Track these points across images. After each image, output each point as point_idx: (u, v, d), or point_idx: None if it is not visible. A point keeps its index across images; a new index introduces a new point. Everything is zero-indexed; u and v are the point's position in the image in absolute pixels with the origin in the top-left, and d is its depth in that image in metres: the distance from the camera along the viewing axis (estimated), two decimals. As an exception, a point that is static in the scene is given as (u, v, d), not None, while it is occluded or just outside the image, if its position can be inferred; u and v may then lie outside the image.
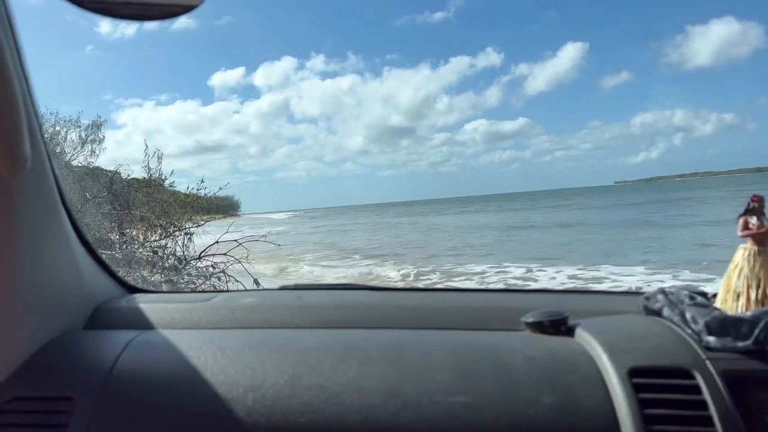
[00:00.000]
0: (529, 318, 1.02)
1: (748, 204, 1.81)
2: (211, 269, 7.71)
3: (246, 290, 1.99)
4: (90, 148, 10.42)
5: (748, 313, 0.90)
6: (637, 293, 1.16)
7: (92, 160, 10.22)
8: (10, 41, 0.74)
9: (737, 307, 1.36)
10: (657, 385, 0.82)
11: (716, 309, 0.94)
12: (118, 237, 7.99)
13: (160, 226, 8.27)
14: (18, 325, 0.93)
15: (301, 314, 1.14)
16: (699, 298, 0.99)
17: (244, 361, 0.92)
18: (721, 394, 0.80)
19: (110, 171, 8.87)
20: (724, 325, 0.88)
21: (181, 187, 9.15)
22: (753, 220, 1.82)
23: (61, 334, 1.03)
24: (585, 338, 0.95)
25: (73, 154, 10.01)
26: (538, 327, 1.01)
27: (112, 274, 1.29)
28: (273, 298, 1.24)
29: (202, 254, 7.82)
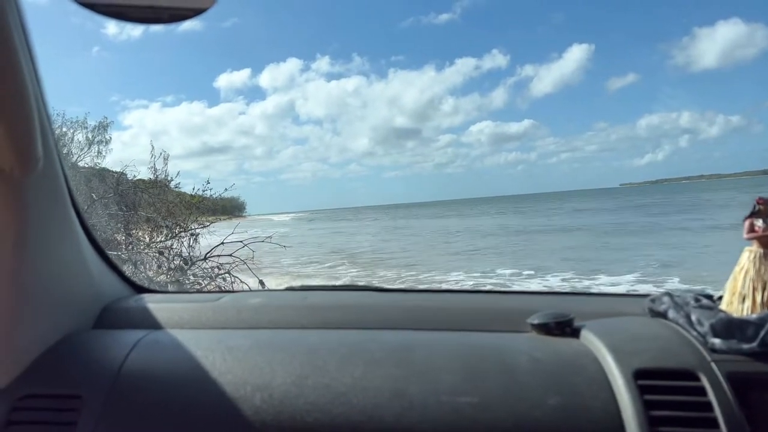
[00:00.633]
0: (535, 319, 1.03)
1: (754, 206, 1.80)
2: (216, 270, 7.73)
3: (253, 291, 2.00)
4: (97, 149, 10.47)
5: (754, 316, 0.90)
6: (642, 295, 1.16)
7: (99, 161, 10.27)
8: (23, 44, 0.75)
9: (743, 309, 1.35)
10: (662, 386, 0.82)
11: (722, 311, 0.94)
12: (124, 238, 8.03)
13: (166, 227, 8.30)
14: (28, 323, 0.94)
15: (307, 315, 1.14)
16: (704, 301, 0.99)
17: (251, 360, 0.93)
18: (727, 396, 0.80)
19: (117, 172, 8.92)
20: (730, 328, 0.88)
21: (187, 188, 9.15)
22: (759, 223, 1.82)
23: (71, 333, 1.04)
24: (590, 340, 0.95)
25: (79, 155, 10.06)
26: (544, 328, 1.02)
27: (121, 274, 1.30)
28: (279, 298, 1.24)
29: (208, 255, 7.85)
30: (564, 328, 1.01)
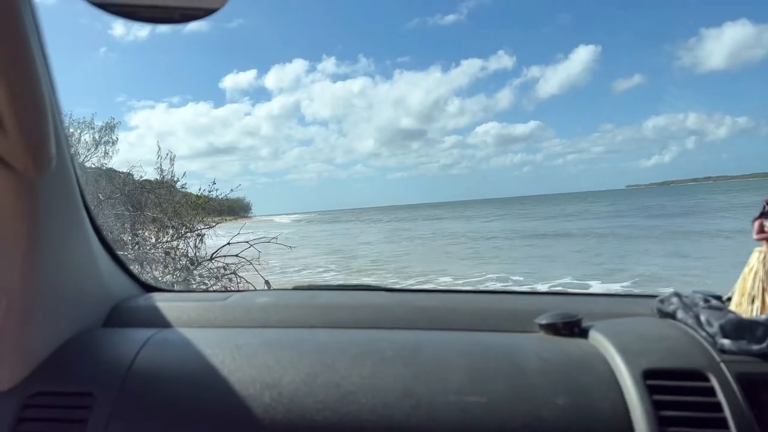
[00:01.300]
0: (543, 320, 1.03)
1: (764, 207, 1.79)
2: (222, 270, 7.75)
3: (261, 290, 2.00)
4: (103, 149, 10.53)
5: (763, 317, 0.90)
6: (650, 296, 1.16)
7: (105, 161, 10.33)
8: (38, 45, 0.76)
9: (752, 310, 1.34)
10: (671, 387, 0.82)
11: (731, 312, 0.94)
12: (130, 238, 8.06)
13: (172, 227, 8.33)
14: (39, 322, 0.95)
15: (315, 314, 1.15)
16: (713, 301, 0.99)
17: (260, 359, 0.93)
18: (736, 397, 0.80)
19: (123, 172, 8.96)
20: (739, 328, 0.88)
21: (193, 188, 9.18)
22: (768, 224, 1.82)
23: (81, 332, 1.05)
24: (599, 340, 0.95)
25: (86, 156, 10.12)
26: (552, 329, 1.02)
27: (130, 273, 1.31)
28: (287, 298, 1.25)
29: (214, 255, 7.87)
30: (572, 328, 1.01)
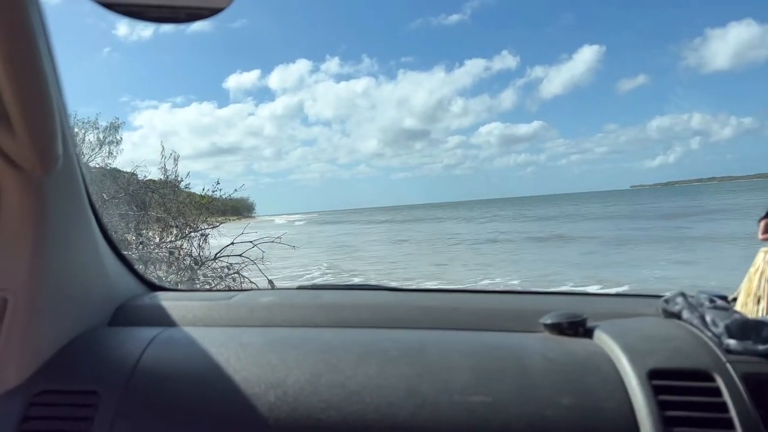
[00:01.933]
0: (548, 319, 1.02)
1: None
2: (226, 270, 7.77)
3: (265, 289, 2.01)
4: (108, 149, 10.54)
5: (769, 317, 0.90)
6: (655, 296, 1.15)
7: (110, 161, 10.35)
8: (45, 46, 0.76)
9: (758, 310, 1.34)
10: (677, 387, 0.82)
11: (737, 312, 0.93)
12: (134, 237, 8.09)
13: (176, 227, 8.36)
14: (46, 320, 0.96)
15: (320, 313, 1.15)
16: (719, 302, 0.99)
17: (265, 358, 0.93)
18: (742, 397, 0.79)
19: (127, 172, 8.99)
20: (745, 329, 0.88)
21: (197, 188, 9.18)
22: (775, 225, 1.82)
23: (87, 330, 1.05)
24: (604, 340, 0.95)
25: (91, 156, 10.14)
26: (557, 328, 1.01)
27: (136, 273, 1.32)
28: (292, 297, 1.25)
29: (218, 255, 7.89)
30: (577, 328, 1.01)
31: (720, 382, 0.81)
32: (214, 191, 8.76)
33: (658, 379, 0.83)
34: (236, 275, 7.65)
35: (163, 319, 1.14)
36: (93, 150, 10.29)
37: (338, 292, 1.36)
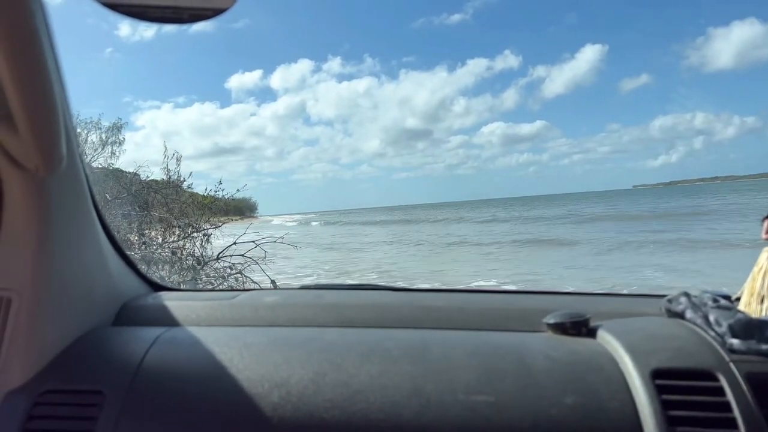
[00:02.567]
0: (551, 319, 1.03)
1: None
2: (228, 270, 7.78)
3: (268, 289, 2.01)
4: (110, 149, 10.56)
5: (773, 316, 0.89)
6: (659, 296, 1.15)
7: (112, 161, 10.36)
8: (49, 46, 0.76)
9: (761, 310, 1.33)
10: (680, 386, 0.82)
11: (740, 312, 0.93)
12: (137, 238, 8.10)
13: (179, 227, 8.37)
14: (50, 320, 0.96)
15: (323, 313, 1.15)
16: (722, 301, 0.99)
17: (269, 358, 0.94)
18: (746, 397, 0.79)
19: (130, 173, 9.00)
20: (749, 328, 0.88)
21: (199, 188, 9.19)
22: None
23: (91, 330, 1.06)
24: (607, 340, 0.95)
25: (93, 156, 10.16)
26: (560, 328, 1.02)
27: (139, 272, 1.32)
28: (295, 297, 1.25)
29: (221, 255, 7.90)
30: (580, 327, 1.01)
31: (723, 382, 0.81)
32: (216, 191, 8.76)
33: (661, 379, 0.83)
34: (239, 275, 7.66)
35: (167, 319, 1.15)
36: (96, 150, 10.31)
37: (341, 291, 1.36)
